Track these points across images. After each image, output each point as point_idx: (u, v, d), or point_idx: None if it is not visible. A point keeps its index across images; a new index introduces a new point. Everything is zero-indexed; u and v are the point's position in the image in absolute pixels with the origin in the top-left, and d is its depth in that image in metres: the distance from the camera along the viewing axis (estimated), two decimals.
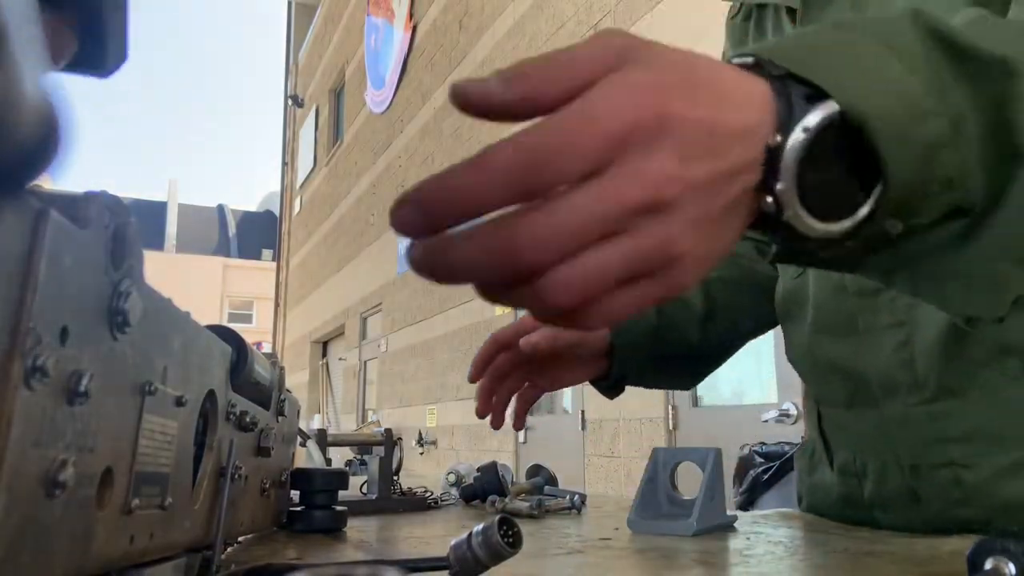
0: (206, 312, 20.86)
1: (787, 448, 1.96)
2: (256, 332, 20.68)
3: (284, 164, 12.22)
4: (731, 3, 0.70)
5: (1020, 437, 0.48)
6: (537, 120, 0.22)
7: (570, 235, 0.22)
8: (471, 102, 0.23)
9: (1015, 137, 0.28)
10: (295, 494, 0.57)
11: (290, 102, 11.92)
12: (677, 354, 0.66)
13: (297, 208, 11.25)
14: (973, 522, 0.50)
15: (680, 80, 0.24)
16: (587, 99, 0.22)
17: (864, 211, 0.26)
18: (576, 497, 0.71)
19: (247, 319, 21.57)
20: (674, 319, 0.65)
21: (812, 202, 0.25)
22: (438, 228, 0.22)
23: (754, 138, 0.25)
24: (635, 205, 0.22)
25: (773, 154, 0.25)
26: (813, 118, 0.25)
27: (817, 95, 0.25)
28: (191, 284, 20.80)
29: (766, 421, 2.50)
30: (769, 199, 0.25)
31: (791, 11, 0.60)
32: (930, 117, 0.26)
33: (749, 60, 0.27)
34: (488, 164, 0.21)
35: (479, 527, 0.33)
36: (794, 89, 0.25)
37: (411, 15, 6.85)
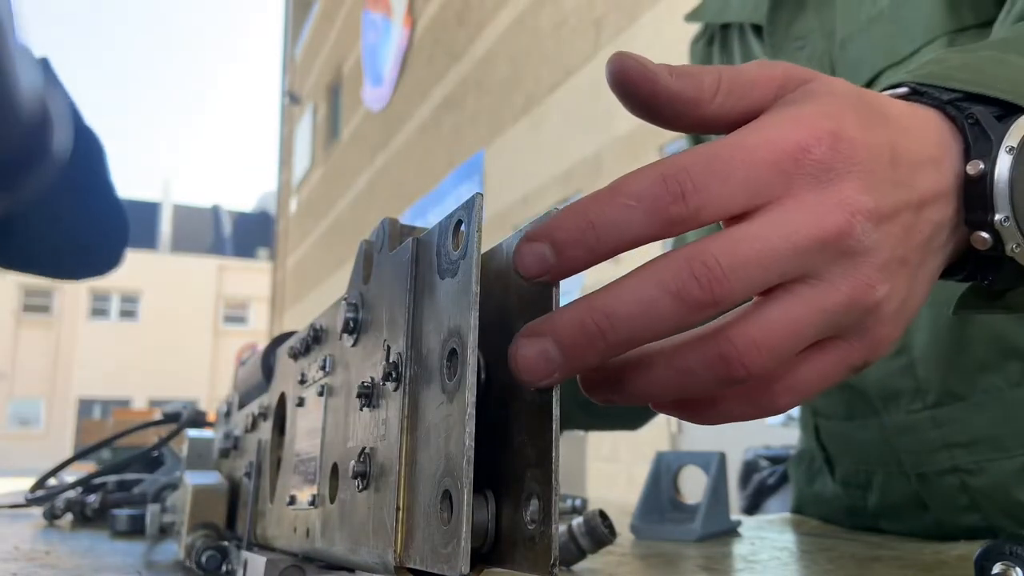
0: (200, 313, 20.86)
1: (793, 452, 1.95)
2: (251, 333, 20.67)
3: (280, 163, 12.20)
4: (696, 25, 0.69)
5: None
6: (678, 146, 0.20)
7: (755, 269, 0.19)
8: (630, 78, 0.21)
9: None
10: None
11: (287, 99, 11.90)
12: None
13: (294, 207, 11.23)
14: (981, 528, 0.50)
15: (853, 105, 0.21)
16: (753, 124, 0.20)
17: None
18: (578, 502, 0.70)
19: (242, 320, 21.55)
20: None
21: None
22: (572, 269, 0.19)
23: (941, 167, 0.22)
24: (822, 240, 0.19)
25: (978, 183, 0.22)
26: (1015, 134, 0.23)
27: (1003, 114, 0.23)
28: (185, 284, 20.78)
29: (771, 425, 2.49)
30: (985, 235, 0.22)
31: (757, 28, 0.60)
32: None
33: (903, 90, 0.25)
34: (627, 190, 0.19)
35: (578, 519, 0.36)
36: (977, 110, 0.23)
37: (410, 10, 6.84)
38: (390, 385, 0.23)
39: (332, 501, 0.26)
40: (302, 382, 0.32)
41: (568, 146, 4.18)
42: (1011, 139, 0.23)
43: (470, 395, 0.19)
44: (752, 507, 1.89)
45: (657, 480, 0.58)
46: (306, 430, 0.31)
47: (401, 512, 0.21)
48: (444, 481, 0.19)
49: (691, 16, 0.68)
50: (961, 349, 0.49)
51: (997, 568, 0.29)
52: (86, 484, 0.64)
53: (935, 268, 0.23)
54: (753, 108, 0.22)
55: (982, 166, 0.22)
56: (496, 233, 5.18)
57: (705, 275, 0.19)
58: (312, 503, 0.28)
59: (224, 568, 0.36)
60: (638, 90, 0.21)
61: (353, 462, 0.24)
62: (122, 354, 19.95)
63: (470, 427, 0.18)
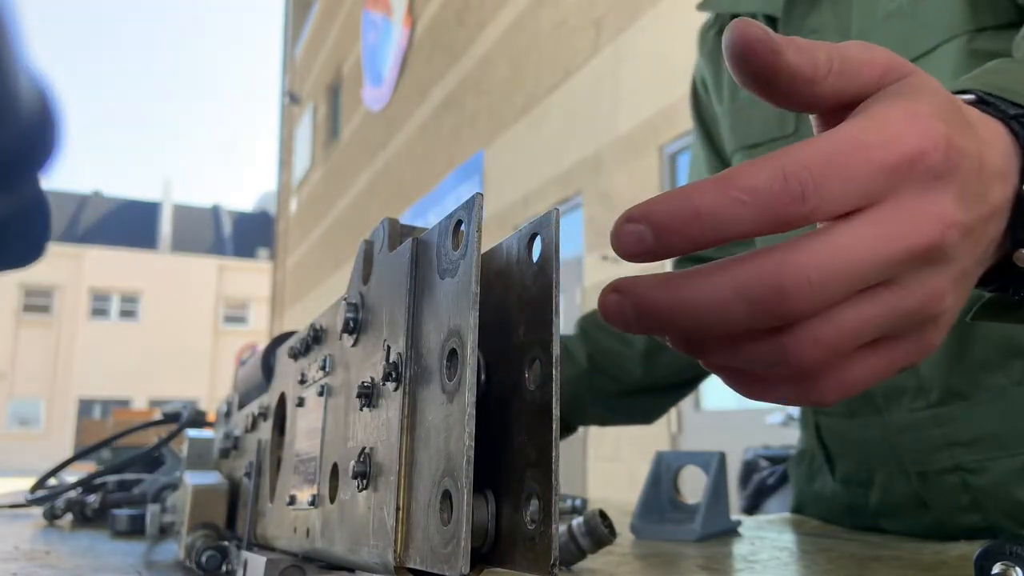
0: (200, 313, 20.85)
1: (792, 452, 1.95)
2: (251, 333, 20.67)
3: (280, 163, 12.20)
4: (707, 15, 0.68)
5: None
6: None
7: (847, 279, 0.19)
8: (753, 48, 0.20)
9: None
10: None
11: (287, 99, 11.90)
12: (622, 390, 0.66)
13: (294, 207, 11.23)
14: (981, 528, 0.50)
15: (953, 109, 0.22)
16: (869, 116, 0.20)
17: None
18: (578, 502, 0.70)
19: (242, 320, 21.55)
20: (610, 357, 0.65)
21: None
22: (669, 255, 0.19)
23: (1007, 182, 0.23)
24: (918, 251, 0.19)
25: None
26: None
27: None
28: (185, 284, 20.78)
29: (771, 424, 2.49)
30: None
31: (770, 19, 0.59)
32: None
33: (970, 97, 0.25)
34: (742, 184, 0.18)
35: (578, 519, 0.36)
36: None
37: (410, 10, 6.84)
38: (390, 385, 0.23)
39: (332, 501, 0.26)
40: (302, 382, 0.32)
41: (568, 146, 4.18)
42: None
43: (470, 395, 0.19)
44: (752, 507, 1.89)
45: (657, 480, 0.58)
46: (306, 430, 0.31)
47: (401, 512, 0.21)
48: (444, 481, 0.19)
49: (703, 5, 0.67)
50: (965, 348, 0.49)
51: (997, 568, 0.29)
52: (86, 484, 0.64)
53: (978, 269, 0.23)
54: (861, 92, 0.22)
55: None
56: (496, 233, 5.18)
57: (795, 289, 0.18)
58: (312, 503, 0.28)
59: (224, 568, 0.36)
60: (761, 61, 0.20)
61: (353, 462, 0.23)
62: (122, 354, 19.94)
63: (470, 427, 0.18)
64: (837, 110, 0.22)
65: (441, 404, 0.20)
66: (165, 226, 23.10)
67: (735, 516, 0.58)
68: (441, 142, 6.01)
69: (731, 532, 0.56)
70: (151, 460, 0.66)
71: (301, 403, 0.32)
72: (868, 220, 0.19)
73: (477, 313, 0.19)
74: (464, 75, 5.67)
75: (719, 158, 0.69)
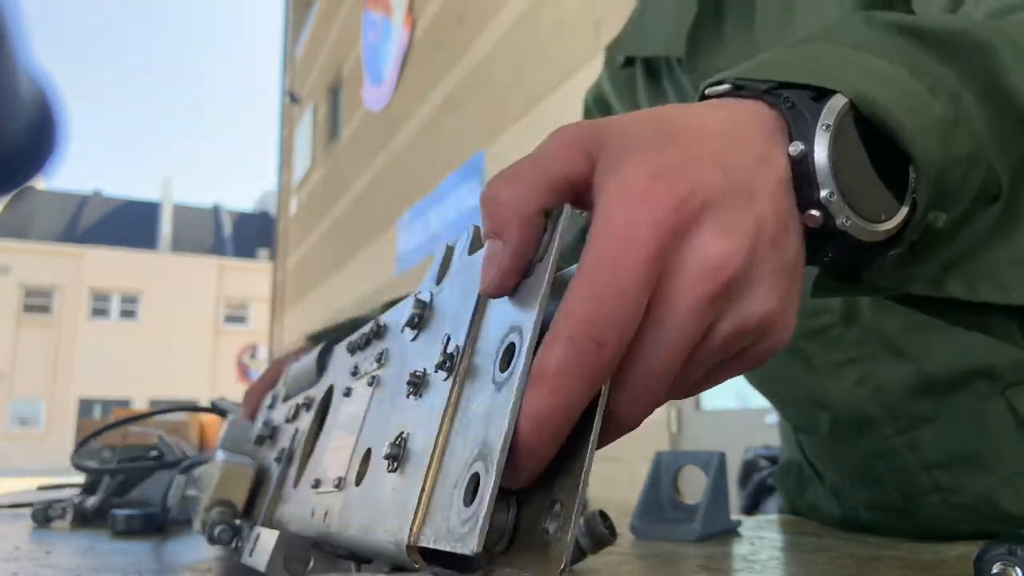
0: (200, 313, 20.85)
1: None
2: (252, 333, 20.66)
3: (281, 163, 12.21)
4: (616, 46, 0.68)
5: (1002, 456, 0.48)
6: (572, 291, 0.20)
7: (665, 377, 0.20)
8: (496, 288, 0.22)
9: (1018, 103, 0.26)
10: None
11: (287, 100, 11.91)
12: None
13: (294, 207, 11.24)
14: (976, 533, 0.49)
15: (664, 145, 0.22)
16: (598, 230, 0.20)
17: (906, 207, 0.24)
18: None
19: (242, 320, 21.54)
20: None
21: (856, 204, 0.23)
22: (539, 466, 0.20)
23: (771, 160, 0.23)
24: (711, 309, 0.21)
25: (801, 164, 0.23)
26: (829, 114, 0.23)
27: (818, 96, 0.24)
28: (185, 284, 20.77)
29: (771, 424, 2.50)
30: (815, 212, 0.23)
31: (677, 61, 0.59)
32: (929, 97, 0.25)
33: (725, 87, 0.25)
34: (550, 374, 0.19)
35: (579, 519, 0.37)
36: (793, 95, 0.24)
37: (410, 11, 6.84)
38: (440, 374, 0.23)
39: (357, 484, 0.27)
40: (354, 374, 0.33)
41: None
42: (826, 118, 0.23)
43: (519, 386, 0.19)
44: (751, 507, 1.89)
45: (657, 480, 0.58)
46: (347, 417, 0.32)
47: (424, 495, 0.21)
48: (475, 465, 0.20)
49: (612, 49, 0.67)
50: (923, 373, 0.49)
51: (996, 568, 0.30)
52: (87, 486, 0.64)
53: (796, 244, 0.23)
54: (578, 179, 0.22)
55: (802, 147, 0.23)
56: None
57: (628, 415, 0.20)
58: (337, 486, 0.28)
59: (234, 544, 0.36)
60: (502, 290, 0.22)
61: (388, 444, 0.24)
62: (122, 354, 19.94)
63: (512, 416, 0.19)
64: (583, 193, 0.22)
65: (488, 394, 0.21)
66: (165, 226, 23.10)
67: (735, 516, 0.58)
68: (441, 142, 6.02)
69: (731, 532, 0.56)
70: (151, 460, 0.66)
71: (348, 393, 0.33)
72: (655, 323, 0.20)
73: (543, 312, 0.20)
74: (464, 75, 5.67)
75: None
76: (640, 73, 0.65)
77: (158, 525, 0.55)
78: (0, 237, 19.98)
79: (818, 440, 0.58)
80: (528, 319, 0.20)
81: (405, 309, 0.28)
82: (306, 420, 0.38)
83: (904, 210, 0.24)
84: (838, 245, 0.24)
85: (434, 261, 0.28)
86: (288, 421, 0.42)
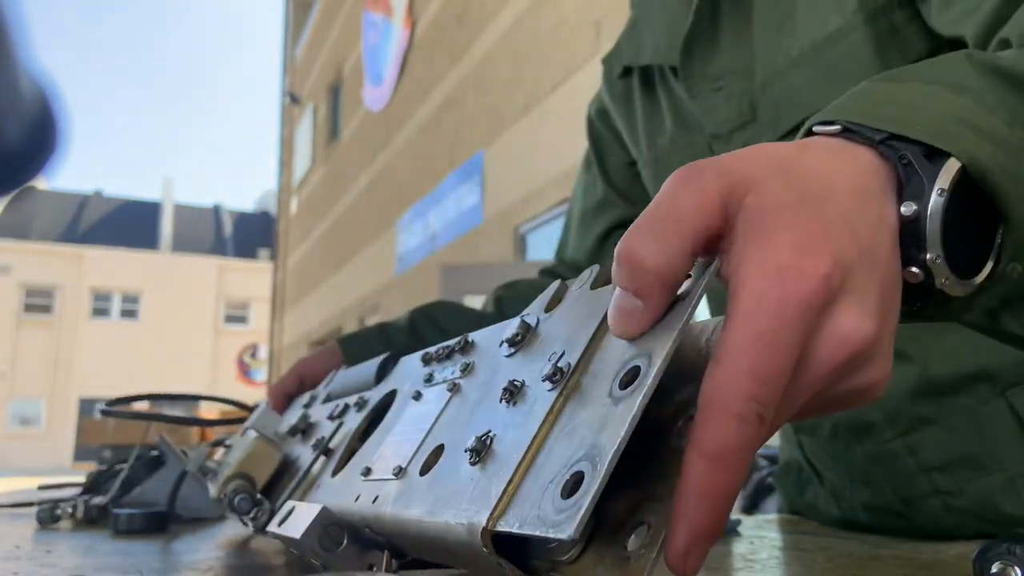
0: (201, 313, 20.85)
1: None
2: (252, 333, 20.67)
3: (281, 163, 12.21)
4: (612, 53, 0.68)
5: (1002, 457, 0.48)
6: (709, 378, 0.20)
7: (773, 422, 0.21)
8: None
9: None
10: None
11: (287, 100, 11.91)
12: None
13: (294, 207, 11.24)
14: (975, 535, 0.49)
15: (807, 214, 0.21)
16: (742, 303, 0.20)
17: (991, 262, 0.25)
18: None
19: (243, 320, 21.55)
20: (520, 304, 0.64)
21: (955, 265, 0.24)
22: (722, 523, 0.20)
23: (887, 216, 0.23)
24: (835, 373, 0.21)
25: (912, 224, 0.23)
26: (944, 178, 0.23)
27: (930, 153, 0.24)
28: (186, 284, 20.78)
29: None
30: (915, 270, 0.23)
31: (671, 69, 0.59)
32: (1021, 150, 0.25)
33: (836, 128, 0.25)
34: (716, 452, 0.19)
35: None
36: (908, 151, 0.24)
37: (410, 11, 6.84)
38: (546, 384, 0.23)
39: (423, 474, 0.27)
40: (428, 381, 0.34)
41: (568, 146, 4.18)
42: (941, 182, 0.23)
43: (642, 399, 0.19)
44: (751, 506, 1.89)
45: None
46: (412, 418, 0.32)
47: (512, 485, 0.21)
48: (579, 464, 0.20)
49: (609, 61, 0.67)
50: (925, 376, 0.49)
51: (995, 567, 0.30)
52: (89, 486, 0.64)
53: (899, 301, 0.23)
54: (715, 234, 0.22)
55: (915, 207, 0.23)
56: (495, 233, 5.18)
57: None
58: (396, 475, 0.29)
59: (252, 514, 0.37)
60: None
61: (475, 438, 0.24)
62: (123, 354, 19.95)
63: (632, 422, 0.19)
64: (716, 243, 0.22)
65: (602, 408, 0.21)
66: (166, 226, 23.11)
67: (735, 516, 0.58)
68: (441, 142, 6.02)
69: (730, 531, 0.56)
70: (151, 461, 0.66)
71: (418, 396, 0.33)
72: (803, 381, 0.21)
73: (674, 346, 0.20)
74: (464, 75, 5.67)
75: (603, 183, 0.71)
76: (636, 82, 0.65)
77: (160, 525, 0.55)
78: (1, 237, 19.99)
79: (819, 441, 0.58)
80: (660, 348, 0.20)
81: (506, 329, 0.29)
82: (355, 418, 0.39)
83: (990, 265, 0.25)
84: (930, 299, 0.25)
85: (544, 293, 0.28)
86: (331, 418, 0.42)
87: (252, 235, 24.13)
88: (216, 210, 25.34)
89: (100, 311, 20.42)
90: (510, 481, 0.21)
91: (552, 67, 4.48)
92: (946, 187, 0.23)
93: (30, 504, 0.67)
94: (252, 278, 21.07)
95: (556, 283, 0.28)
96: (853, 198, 0.23)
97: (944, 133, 0.24)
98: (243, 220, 25.24)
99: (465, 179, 5.59)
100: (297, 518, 0.31)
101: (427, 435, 0.29)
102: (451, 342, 0.34)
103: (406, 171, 6.69)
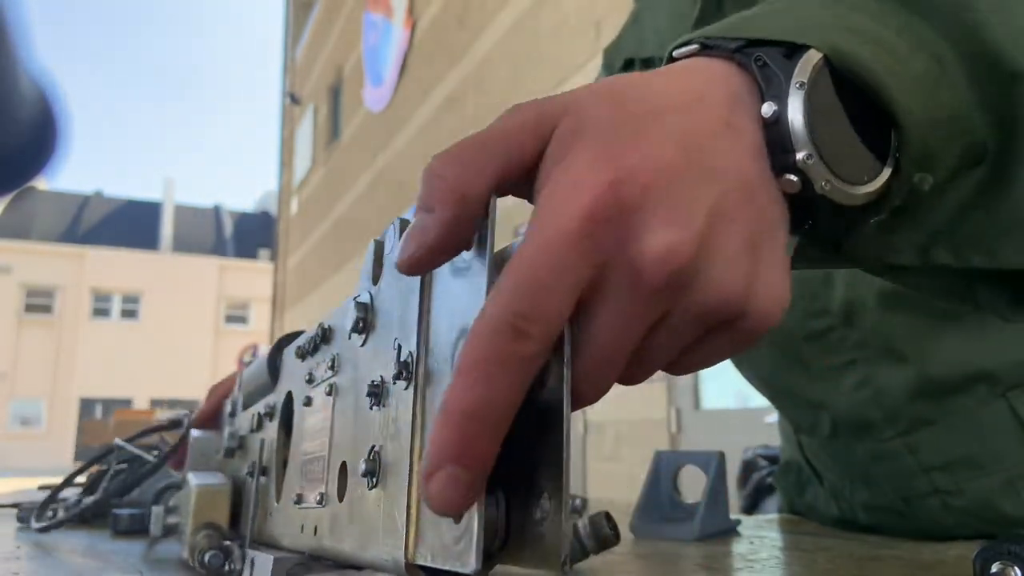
0: (201, 313, 20.85)
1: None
2: (252, 334, 20.66)
3: (281, 163, 12.21)
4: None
5: (1002, 458, 0.48)
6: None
7: (614, 361, 0.20)
8: (417, 265, 0.21)
9: (1005, 60, 0.24)
10: None
11: (287, 100, 11.91)
12: None
13: (294, 208, 11.24)
14: (975, 535, 0.49)
15: (617, 130, 0.20)
16: (536, 221, 0.19)
17: (889, 168, 0.22)
18: (577, 501, 0.70)
19: (243, 320, 21.55)
20: None
21: (836, 167, 0.21)
22: (485, 461, 0.19)
23: (740, 123, 0.21)
24: (654, 308, 0.20)
25: (775, 126, 0.21)
26: (803, 70, 0.21)
27: (791, 53, 0.22)
28: (186, 285, 20.78)
29: (771, 424, 2.49)
30: (792, 177, 0.21)
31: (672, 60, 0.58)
32: (912, 55, 0.23)
33: (693, 47, 0.24)
34: (471, 365, 0.18)
35: (583, 520, 0.38)
36: (765, 53, 0.22)
37: (410, 12, 6.84)
38: (401, 384, 0.23)
39: (341, 500, 0.26)
40: (309, 381, 0.33)
41: None
42: (800, 75, 0.21)
43: None
44: (751, 506, 1.88)
45: (656, 480, 0.58)
46: (314, 429, 0.31)
47: (412, 510, 0.21)
48: None
49: (610, 54, 0.67)
50: (925, 377, 0.48)
51: (995, 567, 0.30)
52: (88, 486, 0.64)
53: (773, 214, 0.22)
54: (529, 164, 0.21)
55: (775, 107, 0.21)
56: (497, 234, 5.17)
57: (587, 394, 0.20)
58: (320, 502, 0.28)
59: (227, 567, 0.36)
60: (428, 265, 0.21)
61: (363, 460, 0.24)
62: (123, 354, 19.95)
63: None
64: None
65: None
66: (166, 226, 23.10)
67: (734, 515, 0.58)
68: (442, 143, 5.98)
69: (730, 531, 0.56)
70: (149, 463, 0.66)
71: (308, 402, 0.32)
72: (599, 311, 0.20)
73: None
74: (464, 76, 5.67)
75: None
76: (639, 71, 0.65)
77: None
78: (1, 237, 19.99)
79: (819, 441, 0.58)
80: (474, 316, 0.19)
81: (347, 315, 0.27)
82: (271, 429, 0.37)
83: (887, 171, 0.22)
84: (818, 211, 0.22)
85: (365, 259, 0.27)
86: (253, 431, 0.41)
87: (252, 235, 24.13)
88: (216, 210, 25.33)
89: (100, 311, 20.41)
90: (408, 505, 0.21)
91: (552, 67, 4.48)
92: (805, 79, 0.21)
93: (30, 505, 0.67)
94: (252, 278, 21.06)
95: (371, 244, 0.27)
96: (684, 112, 0.21)
97: (803, 30, 0.22)
98: (243, 220, 25.23)
99: None
100: (259, 573, 0.31)
101: (329, 452, 0.28)
102: (312, 332, 0.33)
103: (406, 171, 6.69)
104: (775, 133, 0.21)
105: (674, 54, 0.25)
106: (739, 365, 0.61)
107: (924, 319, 0.48)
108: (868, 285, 0.49)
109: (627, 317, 0.20)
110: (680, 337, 0.21)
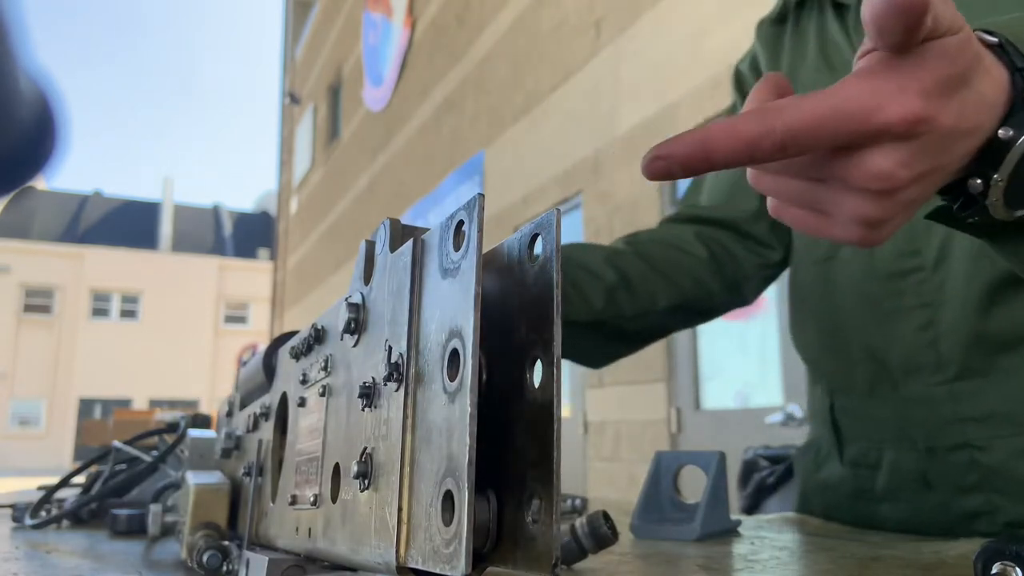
0: (201, 313, 20.85)
1: (793, 451, 1.96)
2: (251, 333, 20.66)
3: (281, 163, 12.21)
4: (772, 8, 0.69)
5: None
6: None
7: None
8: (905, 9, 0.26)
9: None
10: None
11: (287, 100, 11.91)
12: (581, 322, 0.61)
13: (294, 207, 11.24)
14: (983, 512, 0.51)
15: (946, 80, 0.26)
16: (864, 80, 0.26)
17: None
18: (577, 501, 0.70)
19: (242, 320, 21.55)
20: (577, 283, 0.61)
21: (1011, 194, 0.28)
22: (689, 174, 0.26)
23: (979, 132, 0.27)
24: (863, 191, 0.26)
25: (998, 145, 0.27)
26: None
27: None
28: (186, 284, 20.78)
29: (771, 424, 2.49)
30: (978, 181, 0.28)
31: (837, 7, 0.59)
32: None
33: (995, 40, 0.29)
34: (740, 134, 0.25)
35: (581, 520, 0.37)
36: None
37: (410, 11, 6.84)
38: (392, 385, 0.23)
39: (334, 501, 0.26)
40: (304, 382, 0.33)
41: (568, 146, 4.18)
42: None
43: (472, 397, 0.19)
44: (752, 507, 1.88)
45: (657, 480, 0.58)
46: (308, 430, 0.31)
47: (403, 512, 0.21)
48: (446, 482, 0.19)
49: (766, 18, 0.68)
50: (986, 329, 0.50)
51: (996, 568, 0.30)
52: (88, 486, 0.64)
53: (942, 181, 0.28)
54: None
55: (1011, 133, 0.27)
56: (496, 233, 5.17)
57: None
58: (314, 503, 0.28)
59: (225, 567, 0.36)
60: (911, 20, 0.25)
61: (355, 462, 0.23)
62: (123, 354, 19.95)
63: (472, 428, 0.18)
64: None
65: (443, 404, 0.20)
66: (166, 226, 23.10)
67: (735, 516, 0.58)
68: (441, 142, 6.01)
69: (731, 532, 0.56)
70: (151, 463, 0.66)
71: (303, 403, 0.32)
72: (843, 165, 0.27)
73: (479, 314, 0.19)
74: (464, 75, 5.67)
75: None
76: (790, 23, 0.66)
77: None
78: (0, 237, 19.99)
79: (857, 397, 0.59)
80: (467, 324, 0.19)
81: (339, 315, 0.27)
82: (267, 430, 0.37)
83: None
84: (971, 209, 0.29)
85: (357, 260, 0.27)
86: (250, 431, 0.41)
87: (252, 235, 24.13)
88: (216, 210, 25.33)
89: (100, 311, 20.41)
90: (399, 508, 0.21)
91: (552, 67, 4.48)
92: None
93: (30, 527, 0.67)
94: (252, 278, 21.06)
95: (363, 245, 0.27)
96: (978, 94, 0.27)
97: None
98: (243, 220, 25.23)
99: (465, 179, 5.59)
100: (254, 571, 0.31)
101: (323, 453, 0.28)
102: (305, 333, 0.33)
103: (406, 171, 6.68)
104: (993, 149, 0.28)
105: (978, 34, 0.29)
106: (800, 322, 0.62)
107: (1004, 276, 0.50)
108: (965, 235, 0.51)
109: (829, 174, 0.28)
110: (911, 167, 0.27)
